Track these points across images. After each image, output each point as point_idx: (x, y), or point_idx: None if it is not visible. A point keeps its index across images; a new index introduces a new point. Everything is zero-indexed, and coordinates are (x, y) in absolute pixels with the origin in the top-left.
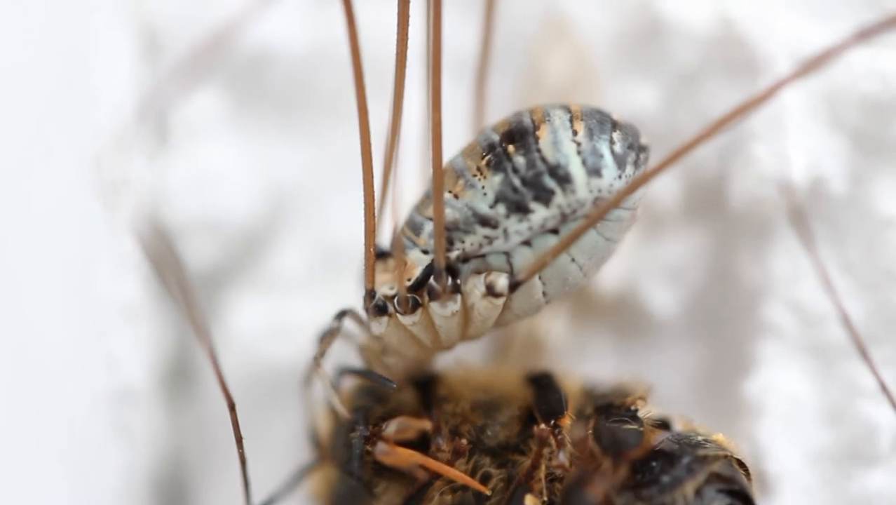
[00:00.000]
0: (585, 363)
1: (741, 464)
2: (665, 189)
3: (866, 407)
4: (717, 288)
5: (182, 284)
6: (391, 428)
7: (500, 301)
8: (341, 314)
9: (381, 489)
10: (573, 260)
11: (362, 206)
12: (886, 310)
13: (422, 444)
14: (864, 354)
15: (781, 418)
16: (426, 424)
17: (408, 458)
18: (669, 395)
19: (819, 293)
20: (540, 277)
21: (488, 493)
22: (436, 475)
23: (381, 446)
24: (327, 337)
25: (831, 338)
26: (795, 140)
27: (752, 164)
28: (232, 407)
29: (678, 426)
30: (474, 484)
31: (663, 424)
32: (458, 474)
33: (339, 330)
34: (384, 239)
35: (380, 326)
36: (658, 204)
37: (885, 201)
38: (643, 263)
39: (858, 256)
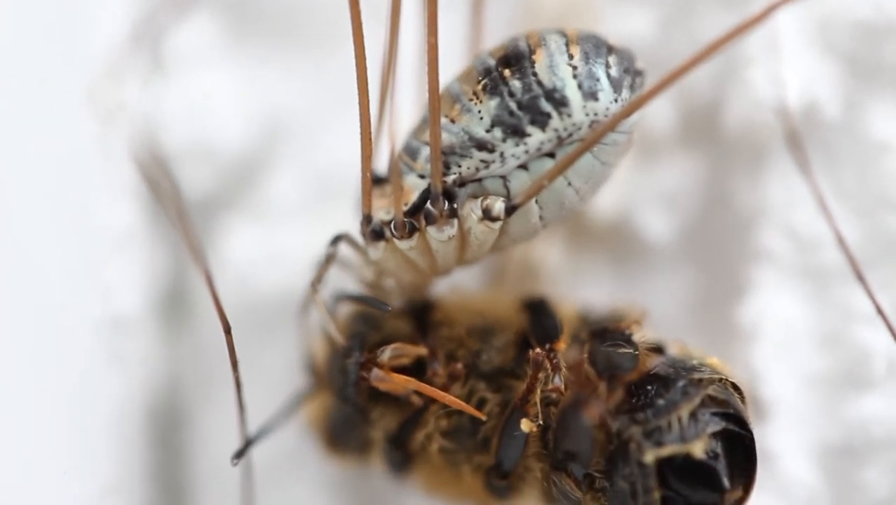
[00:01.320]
0: (581, 289)
1: (736, 387)
2: (660, 115)
3: (861, 332)
4: (712, 213)
5: (178, 207)
6: (386, 354)
7: (497, 225)
8: (336, 239)
9: (377, 415)
10: (570, 184)
11: (358, 132)
12: (881, 234)
13: (417, 369)
14: (860, 277)
15: (776, 343)
16: (421, 350)
17: (403, 384)
18: (664, 320)
19: (814, 218)
20: (536, 201)
21: (484, 418)
22: (431, 401)
23: (376, 373)
24: (323, 263)
25: (826, 263)
26: (789, 65)
27: (746, 90)
28: (228, 331)
29: (673, 350)
30: (469, 409)
31: (658, 349)
32: (453, 400)
33: (335, 256)
34: (380, 165)
35: (376, 251)
36: (653, 130)
37: (878, 126)
38: (638, 190)
39: (852, 181)
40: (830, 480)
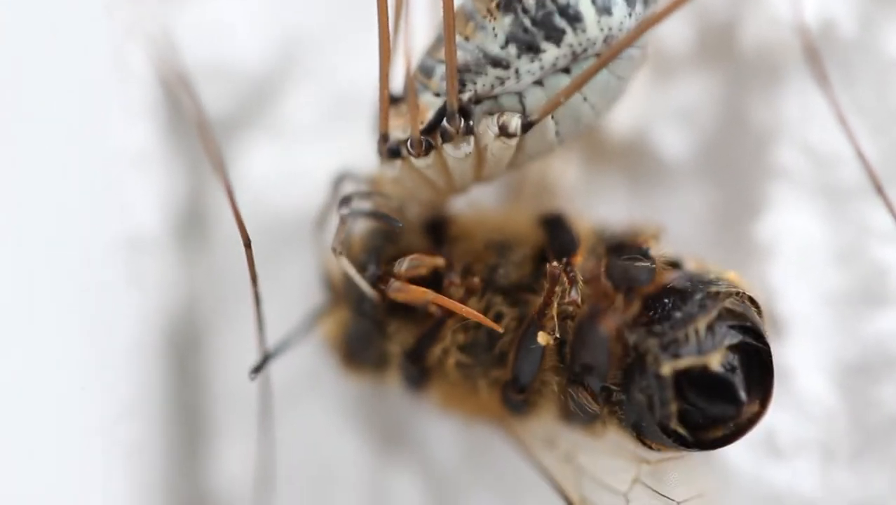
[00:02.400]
0: (597, 207)
1: (753, 301)
2: (676, 34)
3: (878, 248)
4: (729, 131)
5: (201, 122)
6: (404, 265)
7: (514, 142)
8: (339, 180)
9: (394, 329)
10: (585, 99)
11: (374, 51)
12: None
13: (434, 284)
14: (879, 190)
15: (793, 260)
16: (439, 261)
17: (421, 295)
18: (681, 238)
19: (830, 135)
20: (553, 117)
21: (501, 330)
22: (448, 314)
23: (393, 283)
24: (328, 204)
25: (842, 180)
26: None
27: (763, 8)
28: (248, 245)
29: (690, 265)
30: (486, 321)
31: (675, 264)
32: (470, 312)
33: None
34: (395, 84)
35: (393, 169)
36: (670, 49)
37: (895, 44)
38: (655, 108)
39: (869, 99)
40: (846, 396)
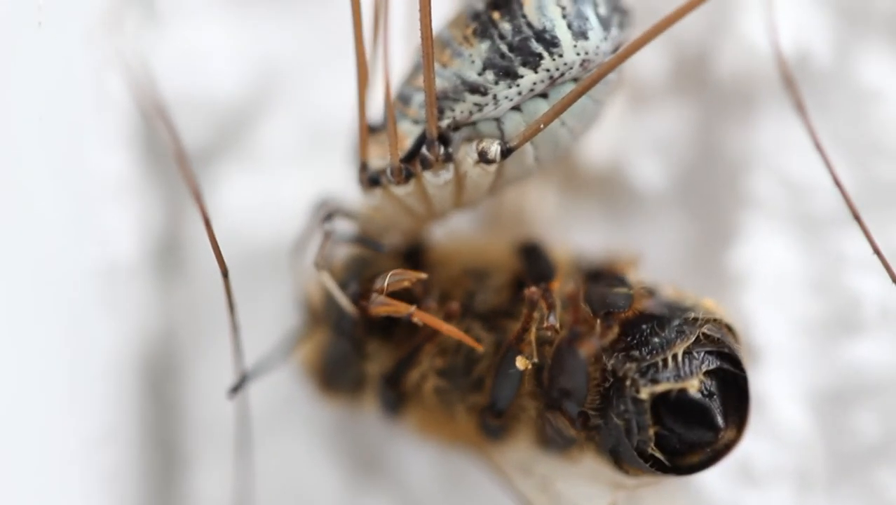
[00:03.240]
0: (574, 236)
1: (730, 328)
2: (652, 63)
3: (852, 277)
4: (704, 160)
5: (178, 151)
6: (387, 280)
7: (493, 168)
8: (323, 210)
9: (373, 349)
10: (563, 124)
11: (351, 80)
12: (873, 181)
13: (408, 325)
14: (856, 217)
15: (768, 288)
16: (421, 275)
17: (404, 309)
18: (656, 267)
19: (805, 164)
20: (531, 142)
21: (481, 349)
22: (427, 337)
23: (375, 298)
24: (308, 230)
25: (817, 209)
26: (781, 12)
27: (738, 37)
28: (225, 274)
29: (667, 292)
30: (467, 339)
31: (652, 291)
32: (451, 329)
33: (330, 233)
34: (373, 114)
35: (373, 198)
36: (645, 78)
37: (870, 74)
38: (630, 137)
39: (844, 129)
40: (822, 424)
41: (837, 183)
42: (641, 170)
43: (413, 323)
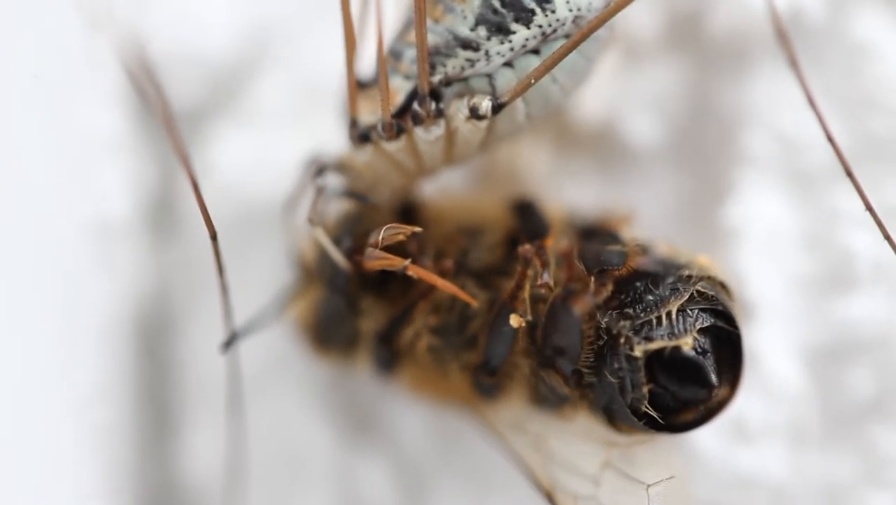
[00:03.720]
0: (568, 193)
1: (724, 285)
2: (645, 19)
3: (846, 232)
4: (697, 117)
5: (166, 113)
6: (381, 233)
7: (484, 124)
8: (313, 166)
9: (367, 305)
10: (555, 80)
11: (342, 38)
12: (866, 137)
13: (402, 281)
14: (848, 173)
15: (762, 245)
16: (416, 228)
17: (399, 262)
18: (650, 224)
19: (798, 120)
20: (522, 99)
21: (476, 304)
22: (420, 297)
23: (370, 251)
24: (299, 188)
25: (810, 164)
26: None
27: None
28: (214, 237)
29: (661, 249)
30: (461, 294)
31: (646, 248)
32: (446, 284)
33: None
34: (364, 70)
35: (364, 153)
36: (638, 34)
37: (864, 29)
38: (624, 94)
39: (838, 85)
40: (815, 380)
41: (830, 139)
42: (635, 126)
43: (407, 280)
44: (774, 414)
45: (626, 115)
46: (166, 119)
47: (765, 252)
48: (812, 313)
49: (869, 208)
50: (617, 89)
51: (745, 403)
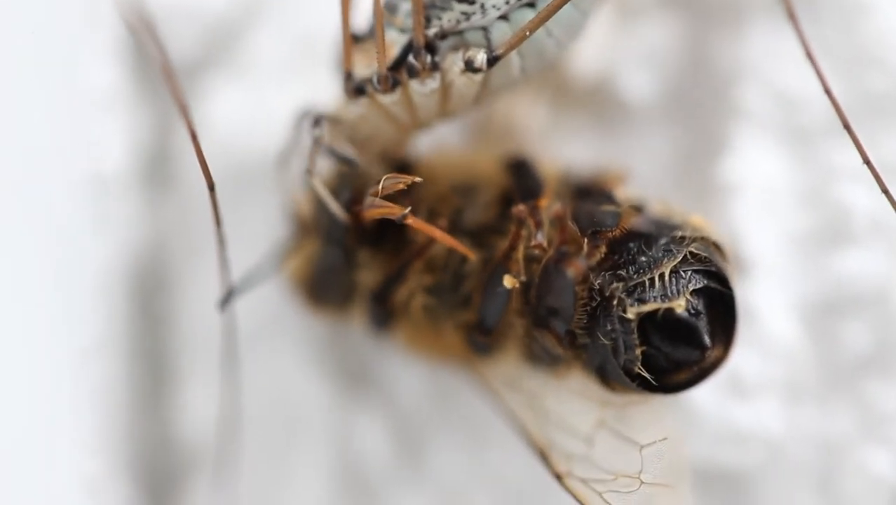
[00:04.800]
0: (563, 149)
1: (718, 246)
2: None
3: (843, 187)
4: (694, 72)
5: (165, 65)
6: (381, 183)
7: (479, 77)
8: (308, 118)
9: (364, 259)
10: (550, 34)
11: None
12: (863, 92)
13: (401, 226)
14: (847, 127)
15: (758, 200)
16: (416, 178)
17: (398, 210)
18: (646, 179)
19: (795, 76)
20: (518, 52)
21: (473, 257)
22: (415, 256)
23: (369, 200)
24: (293, 142)
25: (807, 120)
26: None
27: None
28: (212, 188)
29: (656, 209)
30: (458, 246)
31: (640, 208)
32: (444, 235)
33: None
34: (358, 24)
35: (358, 107)
36: None
37: None
38: (620, 49)
39: (835, 40)
40: (812, 335)
41: (828, 92)
42: (631, 82)
43: (403, 237)
44: (771, 369)
45: (622, 71)
46: (166, 71)
47: (761, 207)
48: (809, 268)
49: (867, 162)
50: (613, 44)
51: (742, 358)
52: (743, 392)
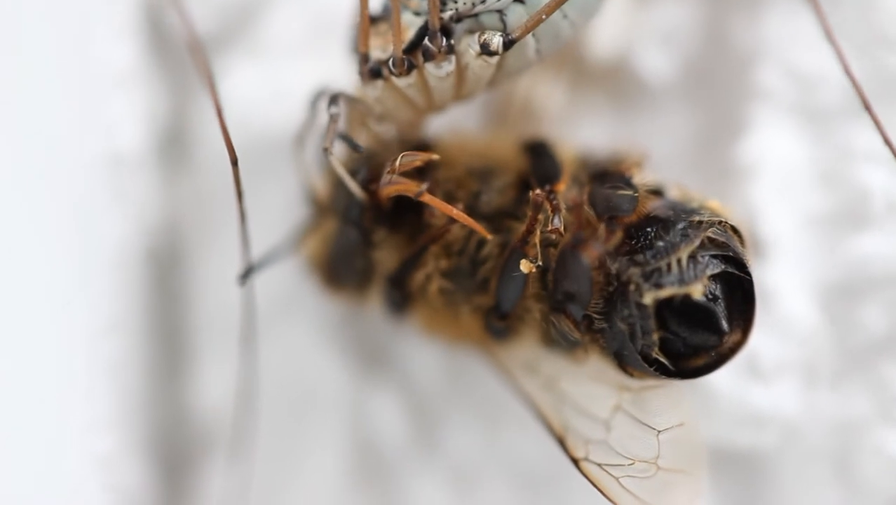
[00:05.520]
0: (581, 131)
1: (735, 230)
2: None
3: (861, 169)
4: (712, 52)
5: (191, 36)
6: (398, 161)
7: (495, 60)
8: (323, 96)
9: (380, 238)
10: (565, 16)
11: None
12: (881, 73)
13: (418, 208)
14: (866, 107)
15: (776, 181)
16: (433, 155)
17: (415, 187)
18: (663, 160)
19: (814, 56)
20: (533, 35)
21: (489, 237)
22: (432, 239)
23: (386, 177)
24: (309, 120)
25: (825, 101)
26: None
27: None
28: (235, 162)
29: (673, 193)
30: (475, 225)
31: (658, 192)
32: (460, 214)
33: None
34: (373, 5)
35: (374, 89)
36: None
37: None
38: (638, 30)
39: (853, 21)
40: (829, 318)
41: (848, 72)
42: (649, 62)
43: (420, 219)
44: (788, 351)
45: (640, 51)
46: (192, 43)
47: (779, 188)
48: (826, 250)
49: (887, 142)
50: (631, 25)
51: (759, 340)
52: (760, 374)
